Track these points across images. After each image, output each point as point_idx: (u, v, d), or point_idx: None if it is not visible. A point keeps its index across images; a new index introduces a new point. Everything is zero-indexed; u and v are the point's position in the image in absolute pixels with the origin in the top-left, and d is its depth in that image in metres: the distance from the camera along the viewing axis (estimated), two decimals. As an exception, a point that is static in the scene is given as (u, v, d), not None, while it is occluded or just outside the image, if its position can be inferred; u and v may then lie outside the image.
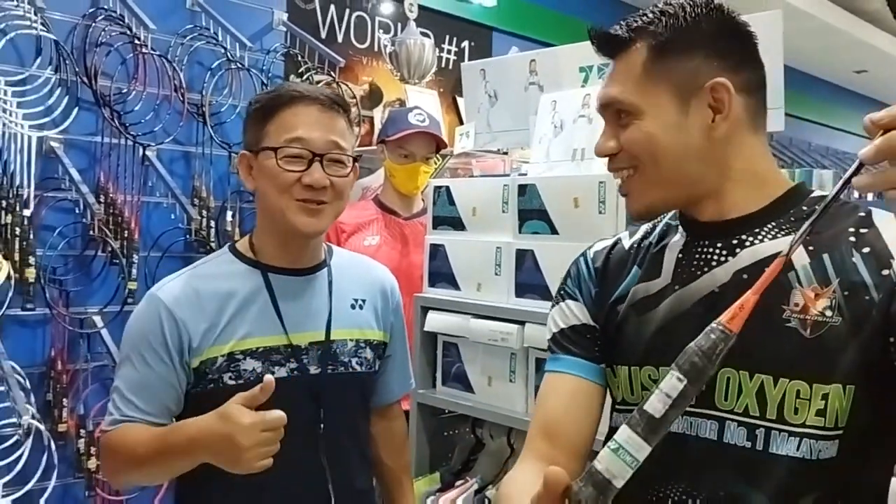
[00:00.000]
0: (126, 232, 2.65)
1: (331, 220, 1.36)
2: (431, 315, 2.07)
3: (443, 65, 3.83)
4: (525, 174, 1.95)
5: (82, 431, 2.56)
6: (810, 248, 0.93)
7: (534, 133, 2.01)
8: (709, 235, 1.00)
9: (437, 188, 2.13)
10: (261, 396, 1.15)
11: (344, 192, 1.36)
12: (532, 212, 1.85)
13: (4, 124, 2.43)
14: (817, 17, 5.42)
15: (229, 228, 2.86)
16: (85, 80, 2.60)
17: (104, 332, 2.59)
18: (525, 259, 1.87)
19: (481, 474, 2.07)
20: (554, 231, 1.81)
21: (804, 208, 0.98)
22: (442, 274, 2.09)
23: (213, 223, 2.84)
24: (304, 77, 3.15)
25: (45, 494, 2.46)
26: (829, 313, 0.90)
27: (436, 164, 2.66)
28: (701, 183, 0.98)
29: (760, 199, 0.98)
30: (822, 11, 5.47)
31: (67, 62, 2.58)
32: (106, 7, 2.68)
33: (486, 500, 1.98)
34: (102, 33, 2.64)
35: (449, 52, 3.95)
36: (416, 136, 2.55)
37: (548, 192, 1.82)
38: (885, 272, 0.90)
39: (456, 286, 2.05)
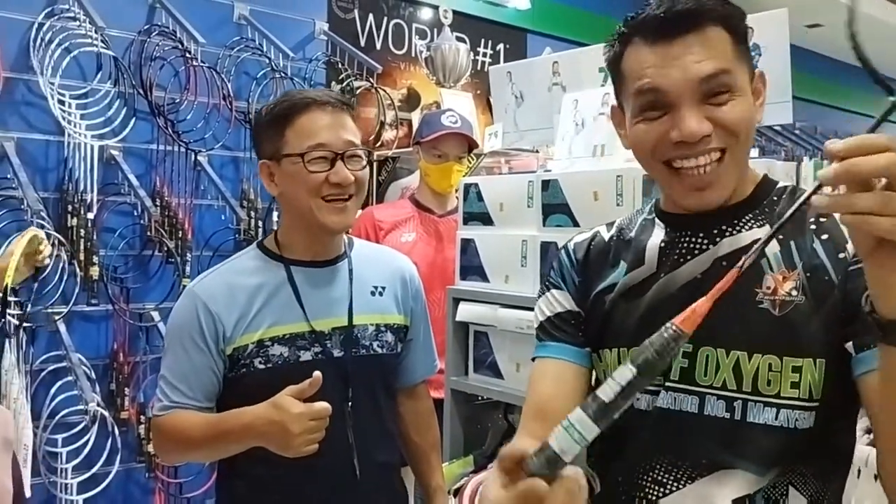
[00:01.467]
0: (180, 233, 2.83)
1: (355, 213, 1.49)
2: (462, 306, 2.18)
3: (478, 67, 3.93)
4: (550, 170, 2.05)
5: (142, 418, 2.74)
6: (780, 237, 1.00)
7: (557, 131, 2.11)
8: (690, 227, 1.06)
9: (467, 186, 2.23)
10: (309, 390, 1.30)
11: (364, 184, 1.48)
12: (555, 206, 1.94)
13: (69, 135, 2.63)
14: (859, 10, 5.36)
15: (275, 228, 3.01)
16: (141, 91, 2.79)
17: (161, 325, 2.77)
18: (549, 251, 1.95)
19: (513, 457, 2.17)
20: (576, 224, 1.89)
21: (774, 198, 1.06)
22: (472, 267, 2.19)
23: (260, 223, 3.00)
24: (345, 83, 3.29)
25: (110, 477, 2.64)
26: (794, 293, 0.98)
27: (469, 163, 2.78)
28: (746, 167, 1.04)
29: (743, 191, 1.05)
30: (864, 3, 5.41)
31: (125, 76, 2.77)
32: (159, 23, 2.87)
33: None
34: (156, 48, 2.83)
35: (484, 55, 4.05)
36: (448, 136, 2.66)
37: (569, 187, 1.91)
38: (842, 255, 0.98)
39: (485, 278, 2.15)
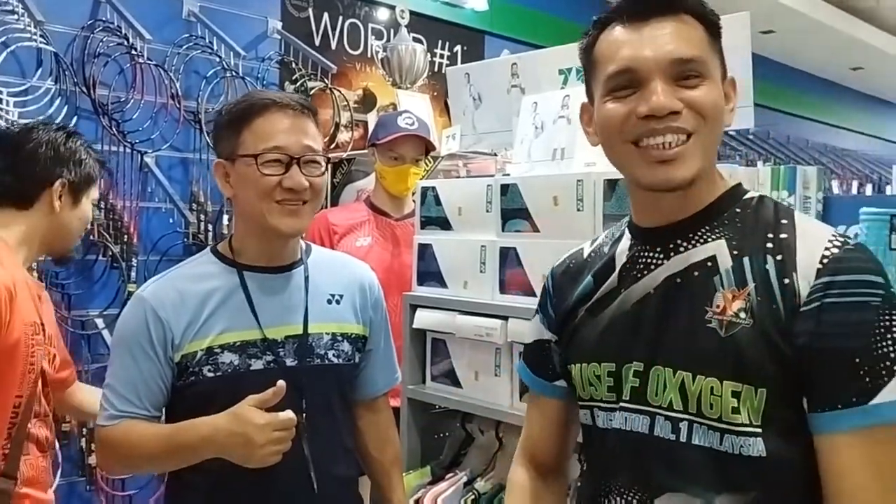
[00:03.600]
0: (126, 236, 2.73)
1: (310, 218, 1.44)
2: (420, 312, 2.12)
3: (436, 69, 3.89)
4: (509, 174, 2.01)
5: (84, 430, 2.62)
6: (734, 252, 0.98)
7: (516, 134, 2.07)
8: (649, 241, 1.05)
9: (425, 189, 2.18)
10: (272, 399, 1.27)
11: (321, 191, 1.44)
12: (514, 211, 1.91)
13: (7, 134, 2.51)
14: (810, 15, 5.46)
15: (226, 232, 2.92)
16: (84, 89, 2.68)
17: (105, 333, 2.67)
18: (508, 256, 1.92)
19: (471, 468, 2.12)
20: (535, 229, 1.86)
21: (737, 210, 1.02)
22: (430, 273, 2.14)
23: (210, 227, 2.91)
24: (299, 83, 3.21)
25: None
26: (742, 315, 0.94)
27: (426, 166, 2.73)
28: (712, 161, 1.03)
29: (706, 199, 1.02)
30: (816, 10, 5.52)
31: (67, 73, 2.65)
32: (104, 19, 2.76)
33: (475, 492, 2.03)
34: (100, 44, 2.72)
35: (442, 56, 4.01)
36: (405, 138, 2.61)
37: (528, 192, 1.87)
38: (787, 281, 0.93)
39: (444, 284, 2.10)
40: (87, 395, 1.91)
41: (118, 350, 1.41)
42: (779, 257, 0.95)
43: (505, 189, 1.92)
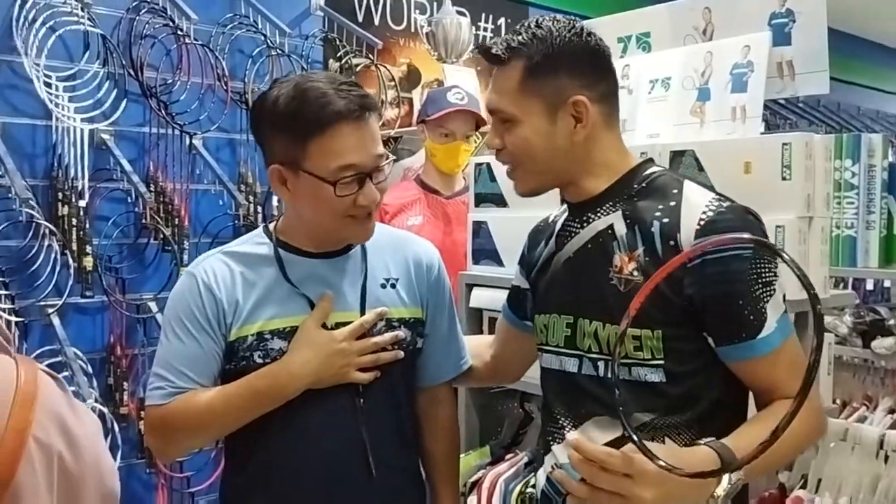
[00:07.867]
0: (177, 219, 2.73)
1: (375, 222, 1.39)
2: (476, 291, 2.09)
3: (479, 42, 3.81)
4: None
5: (142, 413, 2.64)
6: (628, 220, 1.19)
7: (574, 106, 2.01)
8: (573, 213, 1.28)
9: (478, 165, 2.14)
10: (327, 306, 1.35)
11: (385, 192, 1.38)
12: (574, 185, 1.86)
13: (57, 118, 2.52)
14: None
15: (276, 213, 2.91)
16: (131, 72, 2.67)
17: (159, 316, 2.67)
18: (568, 233, 1.88)
19: (531, 448, 2.09)
20: (596, 203, 1.81)
21: (635, 186, 1.22)
22: (485, 251, 2.10)
23: (259, 208, 2.90)
24: (343, 61, 3.17)
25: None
26: (636, 273, 1.16)
27: (476, 142, 2.68)
28: (567, 173, 1.23)
29: (605, 183, 1.23)
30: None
31: (114, 55, 2.65)
32: (149, 0, 2.74)
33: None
34: (146, 26, 2.70)
35: (485, 29, 3.94)
36: (455, 114, 2.56)
37: (589, 166, 1.82)
38: (672, 243, 1.13)
39: (500, 262, 2.06)
40: None
41: (172, 326, 1.35)
42: (665, 220, 1.15)
43: (564, 163, 1.87)
